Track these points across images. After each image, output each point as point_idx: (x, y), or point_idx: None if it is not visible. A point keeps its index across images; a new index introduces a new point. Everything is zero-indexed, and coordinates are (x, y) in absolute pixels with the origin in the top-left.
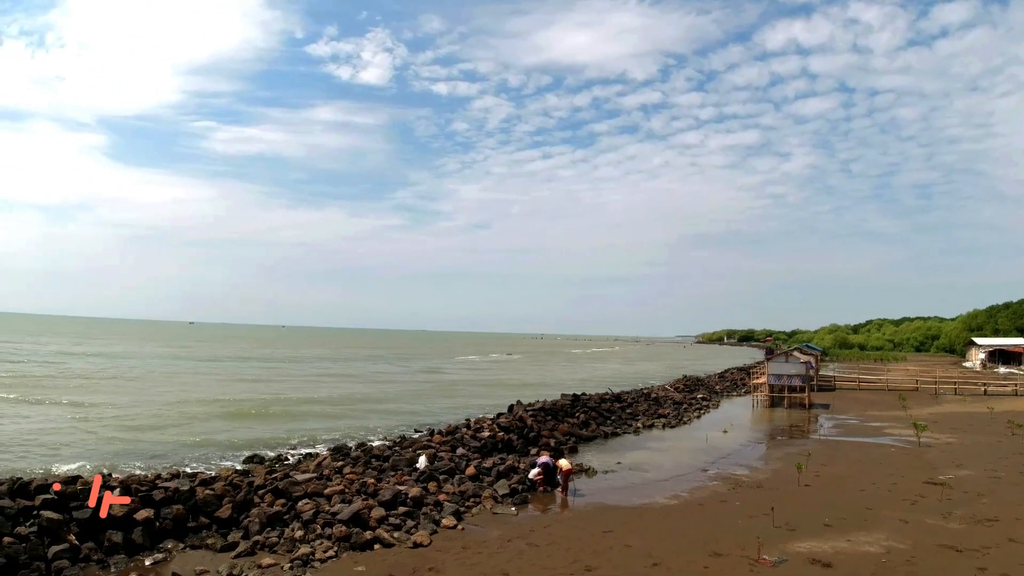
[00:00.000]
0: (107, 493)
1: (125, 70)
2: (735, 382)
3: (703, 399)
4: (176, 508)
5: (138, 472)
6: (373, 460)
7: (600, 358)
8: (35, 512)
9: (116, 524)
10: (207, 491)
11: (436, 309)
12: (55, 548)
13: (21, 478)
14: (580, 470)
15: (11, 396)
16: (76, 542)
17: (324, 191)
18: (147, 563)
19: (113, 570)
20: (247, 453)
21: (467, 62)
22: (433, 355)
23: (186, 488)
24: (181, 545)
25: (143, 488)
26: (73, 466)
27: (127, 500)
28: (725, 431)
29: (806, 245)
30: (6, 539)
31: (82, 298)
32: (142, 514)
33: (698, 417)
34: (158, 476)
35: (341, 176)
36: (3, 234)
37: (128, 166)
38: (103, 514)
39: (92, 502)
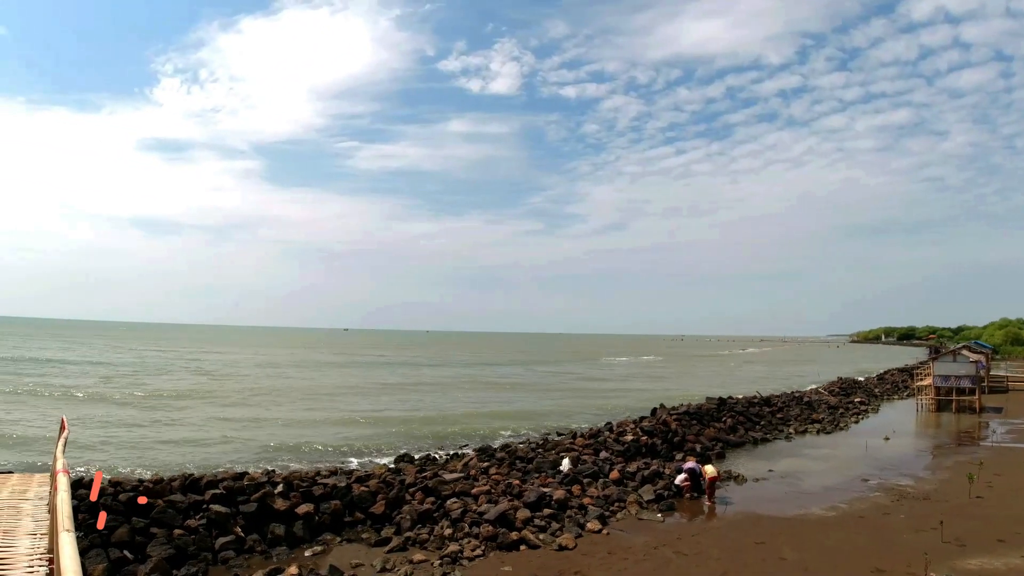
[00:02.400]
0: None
1: (273, 99)
2: (896, 384)
3: (861, 403)
4: (334, 503)
5: (300, 469)
6: (517, 461)
7: (746, 360)
8: (204, 506)
9: (279, 517)
10: (362, 488)
11: (573, 312)
12: (222, 539)
13: (192, 474)
14: (729, 477)
15: (180, 402)
16: (242, 534)
17: (461, 200)
18: (307, 554)
19: (275, 560)
20: (398, 452)
21: (594, 63)
22: (570, 358)
23: (343, 485)
24: (338, 538)
25: (304, 484)
26: (244, 462)
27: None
28: (886, 438)
29: (970, 231)
30: (176, 531)
31: (242, 309)
32: (303, 508)
33: (856, 422)
34: (318, 473)
35: (477, 185)
36: (171, 254)
37: (281, 187)
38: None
39: (94, 497)
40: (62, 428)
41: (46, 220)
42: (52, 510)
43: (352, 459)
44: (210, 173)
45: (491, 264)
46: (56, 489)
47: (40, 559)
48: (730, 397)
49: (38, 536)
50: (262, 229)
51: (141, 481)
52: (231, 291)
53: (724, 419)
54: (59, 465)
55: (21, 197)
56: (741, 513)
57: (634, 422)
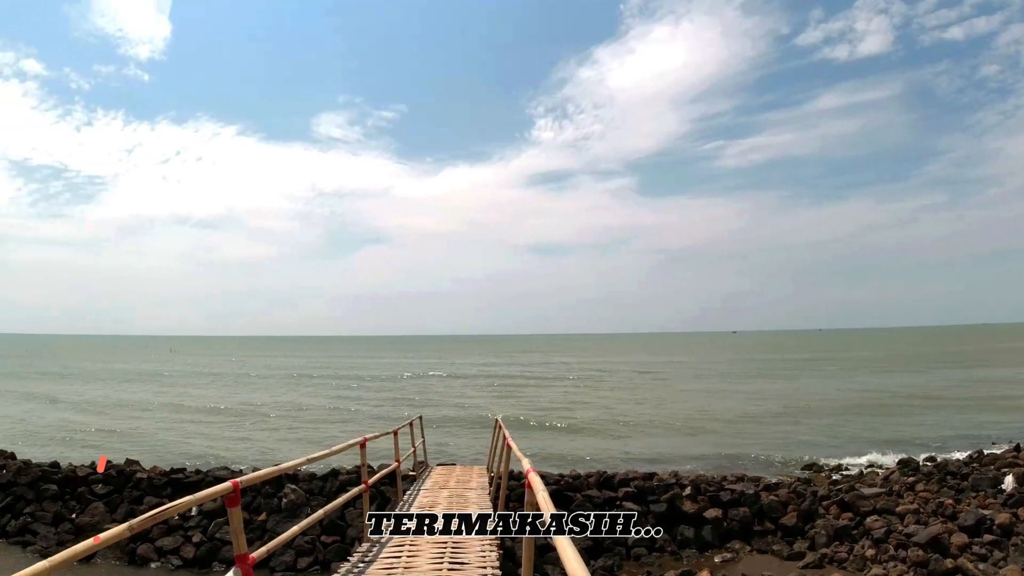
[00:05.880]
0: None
1: (636, 116)
2: None
3: None
4: (742, 510)
5: (703, 473)
6: (948, 477)
7: None
8: (617, 502)
9: (687, 520)
10: (771, 496)
11: (992, 297)
12: (634, 536)
13: (605, 472)
14: None
15: (574, 409)
16: (653, 533)
17: (844, 182)
18: (716, 560)
19: (685, 563)
20: (804, 460)
21: None
22: (990, 355)
23: (751, 492)
24: (747, 547)
25: (711, 488)
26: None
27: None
28: None
29: None
30: None
31: (634, 318)
32: (711, 513)
33: None
34: (724, 478)
35: (859, 162)
36: (566, 271)
37: (655, 198)
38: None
39: (100, 470)
40: (498, 427)
41: (462, 255)
42: (495, 502)
43: (752, 466)
44: (589, 195)
45: (885, 249)
46: (529, 487)
47: (490, 544)
48: None
49: None
50: (639, 240)
51: (561, 475)
52: (614, 300)
53: None
54: (525, 464)
55: (438, 237)
56: None
57: None
